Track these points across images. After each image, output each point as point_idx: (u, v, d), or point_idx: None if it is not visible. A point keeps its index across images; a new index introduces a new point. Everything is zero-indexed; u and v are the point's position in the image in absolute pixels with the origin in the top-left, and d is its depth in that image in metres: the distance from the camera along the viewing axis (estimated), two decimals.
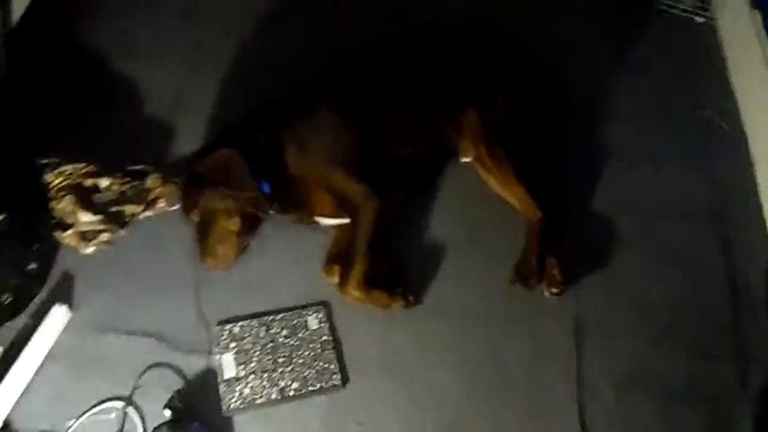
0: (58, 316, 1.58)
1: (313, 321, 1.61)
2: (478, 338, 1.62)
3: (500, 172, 1.69)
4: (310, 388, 1.54)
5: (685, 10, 2.15)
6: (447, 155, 1.78)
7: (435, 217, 1.77)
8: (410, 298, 1.61)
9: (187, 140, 1.84)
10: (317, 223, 1.69)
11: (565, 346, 1.61)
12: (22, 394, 1.51)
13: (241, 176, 1.57)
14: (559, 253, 1.64)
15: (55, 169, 1.69)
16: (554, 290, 1.62)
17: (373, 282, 1.59)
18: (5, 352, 1.56)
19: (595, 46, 2.09)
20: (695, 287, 1.70)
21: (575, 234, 1.72)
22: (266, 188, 1.61)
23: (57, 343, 1.57)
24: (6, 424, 1.48)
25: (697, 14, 2.15)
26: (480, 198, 1.76)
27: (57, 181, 1.67)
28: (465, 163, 1.79)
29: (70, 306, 1.61)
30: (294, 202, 1.65)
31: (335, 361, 1.57)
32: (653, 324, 1.64)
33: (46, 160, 1.70)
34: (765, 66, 1.88)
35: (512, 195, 1.70)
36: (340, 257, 1.64)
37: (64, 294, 1.64)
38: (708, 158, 1.90)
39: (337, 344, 1.60)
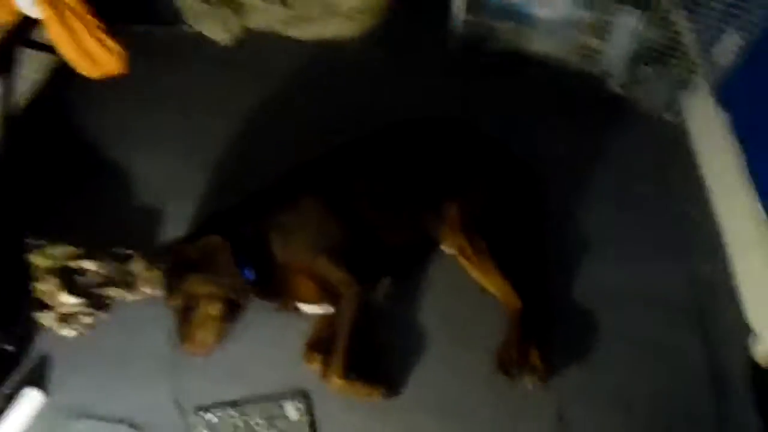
0: (31, 400, 1.55)
1: (292, 412, 1.58)
2: (458, 430, 1.59)
3: (480, 262, 1.71)
4: None
5: (652, 109, 2.26)
6: (429, 244, 1.81)
7: (417, 307, 1.78)
8: (389, 389, 1.60)
9: (174, 226, 1.87)
10: (300, 311, 1.70)
11: None
12: None
13: (225, 263, 1.59)
14: (541, 343, 1.64)
15: (40, 250, 1.70)
16: (536, 380, 1.61)
17: (353, 370, 1.58)
18: None
19: (565, 142, 2.15)
20: (676, 379, 1.68)
21: (557, 325, 1.73)
22: (249, 275, 1.62)
23: (30, 428, 1.53)
24: None
25: (665, 112, 2.25)
26: (461, 287, 1.77)
27: (41, 263, 1.68)
28: (447, 252, 1.82)
29: (45, 390, 1.58)
30: (278, 289, 1.66)
31: None
32: (634, 420, 1.62)
33: (32, 241, 1.71)
34: (733, 157, 1.94)
35: (492, 285, 1.72)
36: (320, 345, 1.63)
37: (38, 377, 1.61)
38: (683, 248, 1.93)
39: None
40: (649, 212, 2.00)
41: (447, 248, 1.80)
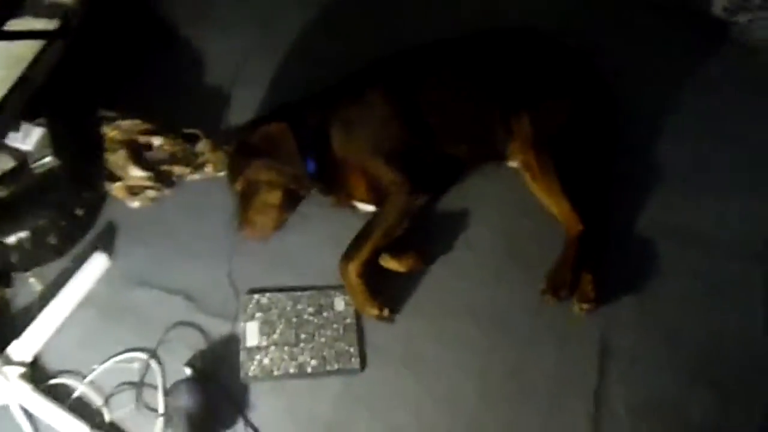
0: (98, 263, 1.63)
1: (339, 302, 1.63)
2: (502, 344, 1.61)
3: (545, 180, 1.66)
4: (328, 368, 1.56)
5: (756, 40, 2.06)
6: (491, 157, 1.76)
7: (473, 219, 1.76)
8: (386, 312, 1.59)
9: (242, 111, 1.88)
10: (355, 208, 1.71)
11: (588, 365, 1.58)
12: (54, 333, 1.57)
13: (288, 151, 1.59)
14: (595, 269, 1.62)
15: (112, 122, 1.74)
16: (585, 306, 1.59)
17: (376, 275, 1.58)
18: (43, 290, 1.63)
19: (662, 63, 2.02)
20: (730, 327, 1.63)
21: (614, 253, 1.69)
22: (311, 167, 1.63)
23: (92, 289, 1.63)
24: (35, 359, 1.54)
25: None
26: (521, 205, 1.74)
27: (113, 134, 1.73)
28: (509, 168, 1.77)
29: (110, 255, 1.66)
30: (335, 184, 1.67)
31: (356, 345, 1.58)
32: (681, 358, 1.59)
33: (105, 113, 1.75)
34: None
35: (555, 204, 1.68)
36: None
37: (105, 243, 1.69)
38: (762, 191, 1.81)
39: (360, 329, 1.61)
40: (732, 150, 1.87)
41: (512, 163, 1.75)
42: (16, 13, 1.49)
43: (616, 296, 1.65)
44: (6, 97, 1.53)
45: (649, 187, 1.81)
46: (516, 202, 1.76)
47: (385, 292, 1.61)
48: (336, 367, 1.56)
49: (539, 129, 1.68)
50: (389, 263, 1.63)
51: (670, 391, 1.56)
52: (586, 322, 1.62)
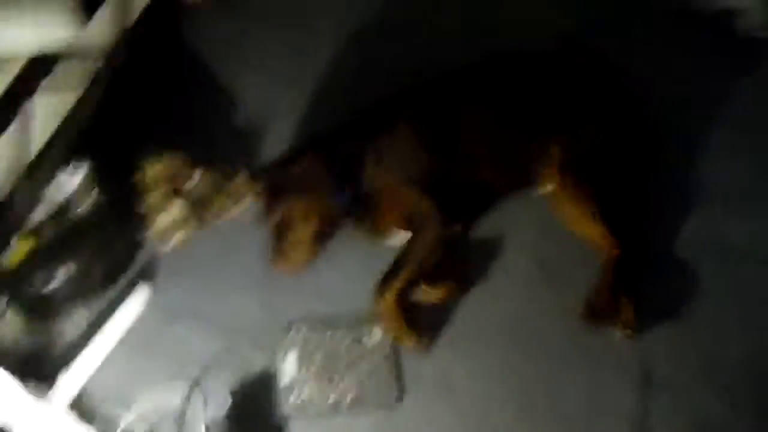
0: (140, 296, 1.68)
1: (377, 333, 1.63)
2: (538, 371, 1.59)
3: (581, 204, 1.64)
4: (365, 401, 1.56)
5: None
6: (523, 184, 1.75)
7: (506, 246, 1.75)
8: (423, 341, 1.59)
9: (275, 145, 1.90)
10: (388, 239, 1.72)
11: (627, 392, 1.55)
12: (99, 366, 1.62)
13: (322, 184, 1.62)
14: (635, 292, 1.59)
15: (153, 160, 1.79)
16: (626, 332, 1.57)
17: (411, 309, 1.59)
18: (88, 325, 1.68)
19: (690, 82, 1.96)
20: None
21: (652, 277, 1.66)
22: (343, 198, 1.64)
23: (135, 323, 1.67)
24: (80, 393, 1.58)
25: None
26: (556, 230, 1.72)
27: (153, 172, 1.78)
28: (541, 194, 1.76)
29: (151, 290, 1.71)
30: (368, 215, 1.68)
31: (393, 377, 1.58)
32: (726, 385, 1.55)
33: (145, 152, 1.81)
34: None
35: (590, 228, 1.65)
36: None
37: (146, 278, 1.74)
38: None
39: (397, 360, 1.61)
40: None
41: (546, 188, 1.74)
42: (57, 61, 1.56)
43: (657, 320, 1.61)
44: (52, 139, 1.60)
45: (690, 205, 1.77)
46: (550, 227, 1.74)
47: (421, 321, 1.61)
48: (373, 399, 1.56)
49: (571, 153, 1.67)
50: (425, 293, 1.63)
51: (714, 420, 1.52)
52: (626, 349, 1.58)
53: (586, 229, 1.67)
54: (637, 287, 1.61)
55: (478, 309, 1.67)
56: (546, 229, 1.75)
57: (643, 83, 1.86)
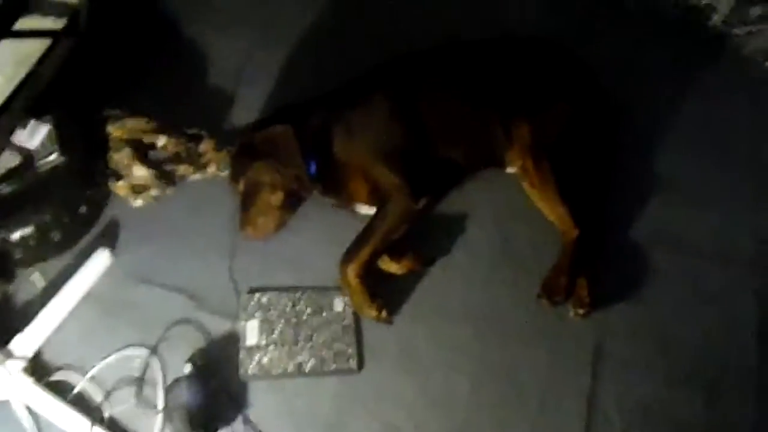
0: (100, 260, 1.65)
1: (338, 303, 1.65)
2: (496, 346, 1.63)
3: (543, 185, 1.68)
4: (326, 368, 1.58)
5: (754, 53, 2.09)
6: (490, 163, 1.79)
7: (471, 222, 1.78)
8: (384, 314, 1.60)
9: (244, 112, 1.90)
10: (355, 210, 1.73)
11: (581, 368, 1.61)
12: (56, 329, 1.59)
13: (291, 153, 1.62)
14: (591, 275, 1.64)
15: (117, 121, 1.76)
16: (580, 311, 1.62)
17: (374, 280, 1.60)
18: (46, 286, 1.65)
19: (662, 73, 2.05)
20: (723, 333, 1.66)
21: (608, 259, 1.71)
22: (312, 168, 1.65)
23: (95, 286, 1.65)
24: (37, 354, 1.56)
25: None
26: (519, 210, 1.76)
27: (117, 133, 1.75)
28: (508, 174, 1.80)
29: (112, 252, 1.68)
30: (335, 186, 1.69)
31: (354, 346, 1.60)
32: (674, 362, 1.62)
33: (110, 112, 1.78)
34: None
35: (552, 210, 1.70)
36: None
37: (108, 240, 1.72)
38: (759, 202, 1.84)
39: (358, 330, 1.63)
40: (731, 162, 1.89)
41: (511, 168, 1.77)
42: (24, 11, 1.51)
43: (611, 302, 1.68)
44: (13, 94, 1.55)
45: (646, 195, 1.84)
46: (514, 207, 1.78)
47: (384, 294, 1.62)
48: (334, 367, 1.58)
49: (538, 135, 1.70)
50: (388, 265, 1.65)
51: (662, 394, 1.59)
52: (581, 327, 1.64)
53: (548, 209, 1.71)
54: (594, 269, 1.66)
55: (440, 283, 1.70)
56: (511, 208, 1.79)
57: (609, 76, 1.90)
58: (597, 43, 2.04)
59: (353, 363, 1.59)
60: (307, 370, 1.58)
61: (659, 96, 2.00)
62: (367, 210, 1.70)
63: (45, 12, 1.62)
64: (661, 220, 1.81)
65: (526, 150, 1.69)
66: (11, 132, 1.58)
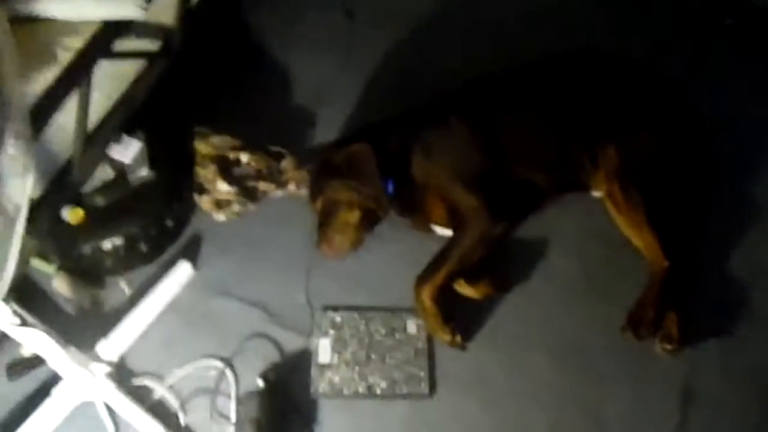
0: (183, 272, 1.70)
1: (412, 325, 1.62)
2: (576, 380, 1.56)
3: (631, 212, 1.61)
4: (397, 391, 1.55)
5: None
6: (573, 187, 1.72)
7: (552, 248, 1.73)
8: (458, 338, 1.56)
9: (325, 131, 1.93)
10: (432, 231, 1.71)
11: (668, 408, 1.51)
12: (139, 336, 1.64)
13: (369, 172, 1.62)
14: (681, 308, 1.55)
15: (204, 138, 1.82)
16: (668, 347, 1.53)
17: (449, 303, 1.57)
18: (132, 294, 1.71)
19: (756, 100, 1.93)
20: None
21: (702, 293, 1.61)
22: (390, 188, 1.64)
23: (177, 296, 1.70)
24: (120, 359, 1.61)
25: None
26: (604, 237, 1.69)
27: (204, 150, 1.81)
28: (593, 199, 1.72)
29: (195, 265, 1.73)
30: (413, 206, 1.68)
31: (426, 370, 1.57)
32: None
33: (198, 129, 1.84)
34: None
35: (640, 238, 1.62)
36: None
37: (191, 253, 1.77)
38: None
39: (431, 354, 1.60)
40: None
41: (596, 193, 1.70)
42: (123, 34, 1.59)
43: (703, 339, 1.57)
44: (111, 111, 1.63)
45: (745, 224, 1.73)
46: (599, 233, 1.71)
47: (459, 318, 1.59)
48: (405, 390, 1.55)
49: (626, 159, 1.63)
50: (464, 289, 1.62)
51: None
52: (669, 364, 1.55)
53: (636, 237, 1.64)
54: (686, 303, 1.56)
55: (518, 310, 1.65)
56: (594, 235, 1.72)
57: (703, 101, 1.82)
58: (688, 65, 1.96)
59: (425, 387, 1.55)
60: (378, 392, 1.55)
61: (758, 119, 1.88)
62: (444, 232, 1.68)
63: (142, 34, 1.70)
64: (759, 251, 1.69)
65: (612, 174, 1.63)
66: (107, 147, 1.66)
